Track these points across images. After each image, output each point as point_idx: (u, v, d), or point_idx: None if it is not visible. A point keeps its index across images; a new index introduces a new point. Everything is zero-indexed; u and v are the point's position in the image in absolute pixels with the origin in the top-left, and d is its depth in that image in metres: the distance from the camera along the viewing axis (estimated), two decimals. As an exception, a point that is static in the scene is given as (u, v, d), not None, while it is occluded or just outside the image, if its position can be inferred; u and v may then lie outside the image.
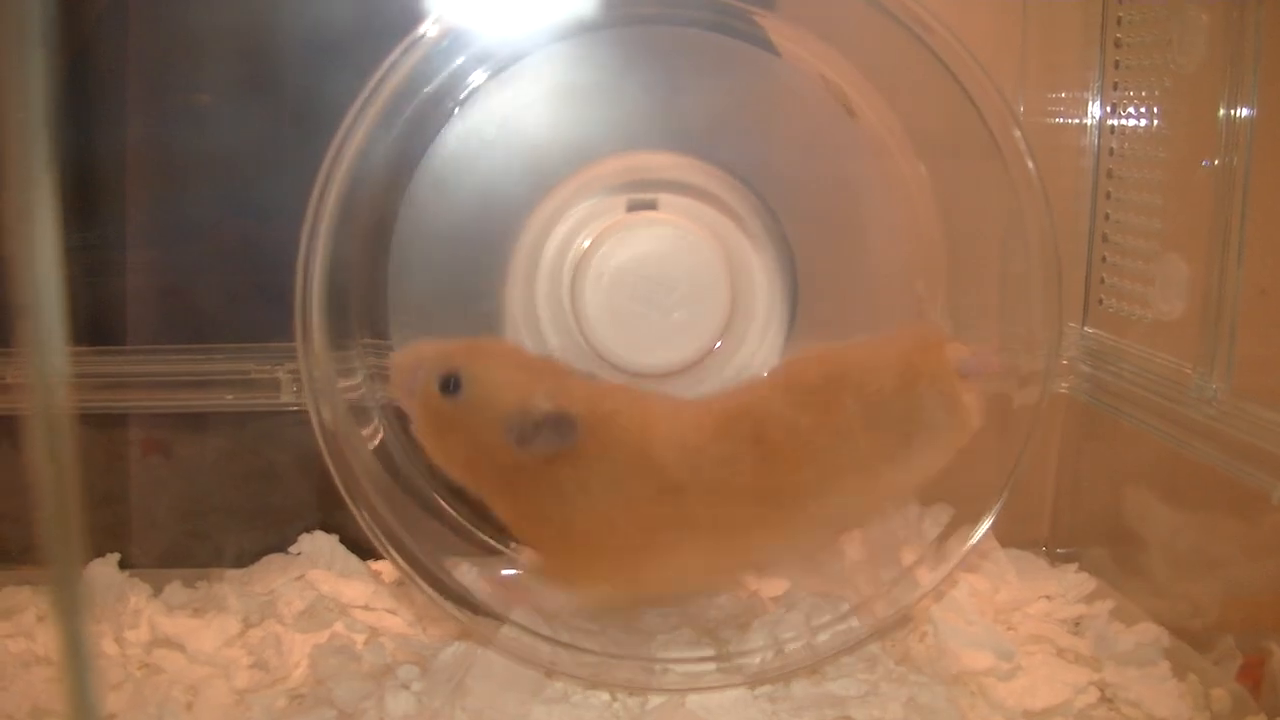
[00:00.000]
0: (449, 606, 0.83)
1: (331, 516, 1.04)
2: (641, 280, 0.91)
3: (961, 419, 0.83)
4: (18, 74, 0.42)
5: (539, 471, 0.80)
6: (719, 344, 0.93)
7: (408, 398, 0.83)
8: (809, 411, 0.82)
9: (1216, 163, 0.89)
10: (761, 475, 0.81)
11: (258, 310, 1.05)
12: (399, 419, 0.93)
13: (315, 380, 0.83)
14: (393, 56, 0.82)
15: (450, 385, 0.81)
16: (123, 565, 1.02)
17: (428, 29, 0.82)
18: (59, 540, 0.46)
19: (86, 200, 1.08)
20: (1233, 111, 0.88)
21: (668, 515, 0.81)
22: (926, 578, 0.88)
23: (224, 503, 1.11)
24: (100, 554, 1.02)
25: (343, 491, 0.82)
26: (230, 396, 1.00)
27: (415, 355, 0.83)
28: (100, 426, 1.09)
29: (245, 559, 1.05)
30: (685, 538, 0.82)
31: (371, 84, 0.82)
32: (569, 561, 0.84)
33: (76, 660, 0.46)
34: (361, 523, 0.83)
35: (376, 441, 0.92)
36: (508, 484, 0.82)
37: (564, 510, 0.81)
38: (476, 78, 0.91)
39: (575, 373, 0.86)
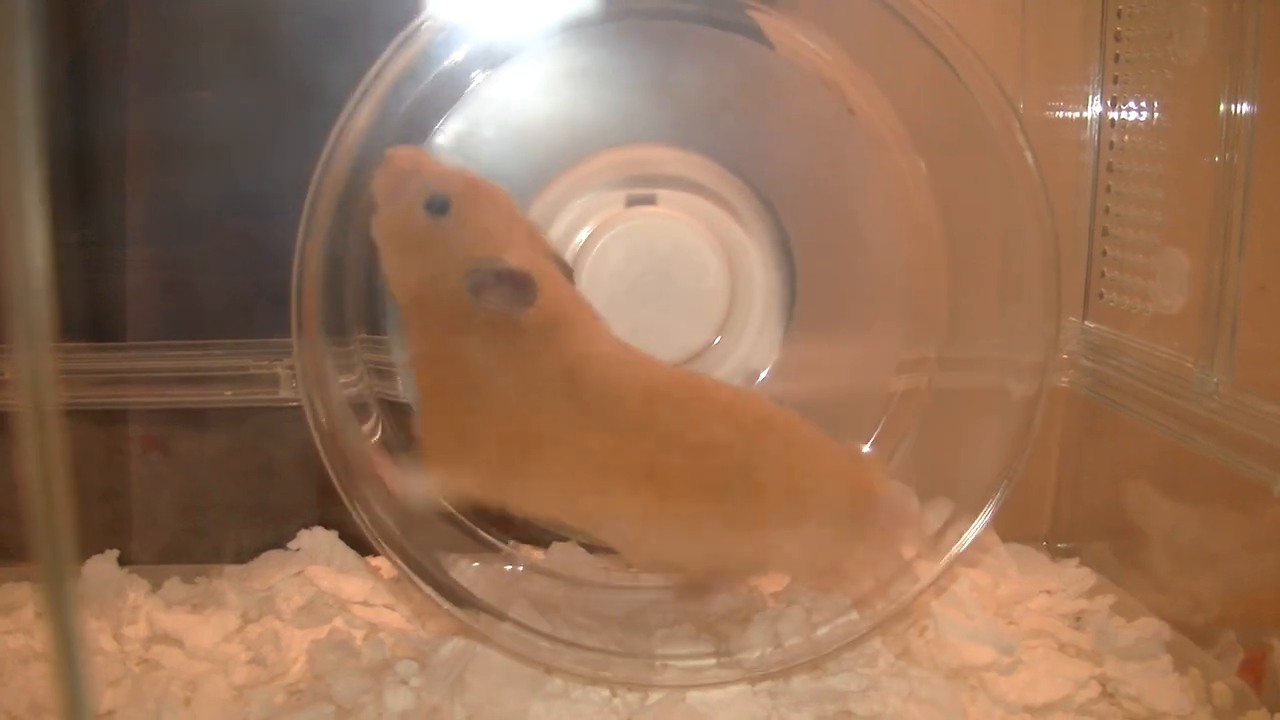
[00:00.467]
0: (445, 604, 0.83)
1: (331, 512, 1.04)
2: (639, 275, 0.91)
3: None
4: (4, 65, 0.42)
5: (475, 329, 0.78)
6: (717, 340, 0.93)
7: (389, 199, 0.80)
8: (740, 433, 0.82)
9: (1217, 157, 0.88)
10: (662, 457, 0.80)
11: (257, 306, 1.05)
12: (397, 415, 0.93)
13: (310, 376, 0.83)
14: (390, 49, 0.82)
15: (436, 205, 0.79)
16: (123, 561, 1.02)
17: (425, 21, 0.82)
18: (49, 537, 0.45)
19: (86, 196, 1.08)
20: (1233, 105, 0.87)
21: (561, 440, 0.80)
22: (926, 571, 0.87)
23: (223, 499, 1.11)
24: (100, 550, 1.02)
25: (339, 488, 0.82)
26: (229, 392, 1.00)
27: (414, 162, 0.80)
28: (100, 422, 1.09)
29: (245, 555, 1.05)
30: (570, 471, 0.81)
31: (369, 77, 0.82)
32: (449, 443, 0.81)
33: (69, 658, 0.46)
34: (358, 520, 0.83)
35: (376, 438, 0.92)
36: (441, 329, 0.80)
37: (476, 381, 0.79)
38: (475, 71, 0.91)
39: (553, 259, 0.84)
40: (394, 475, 0.83)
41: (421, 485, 0.82)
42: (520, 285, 0.77)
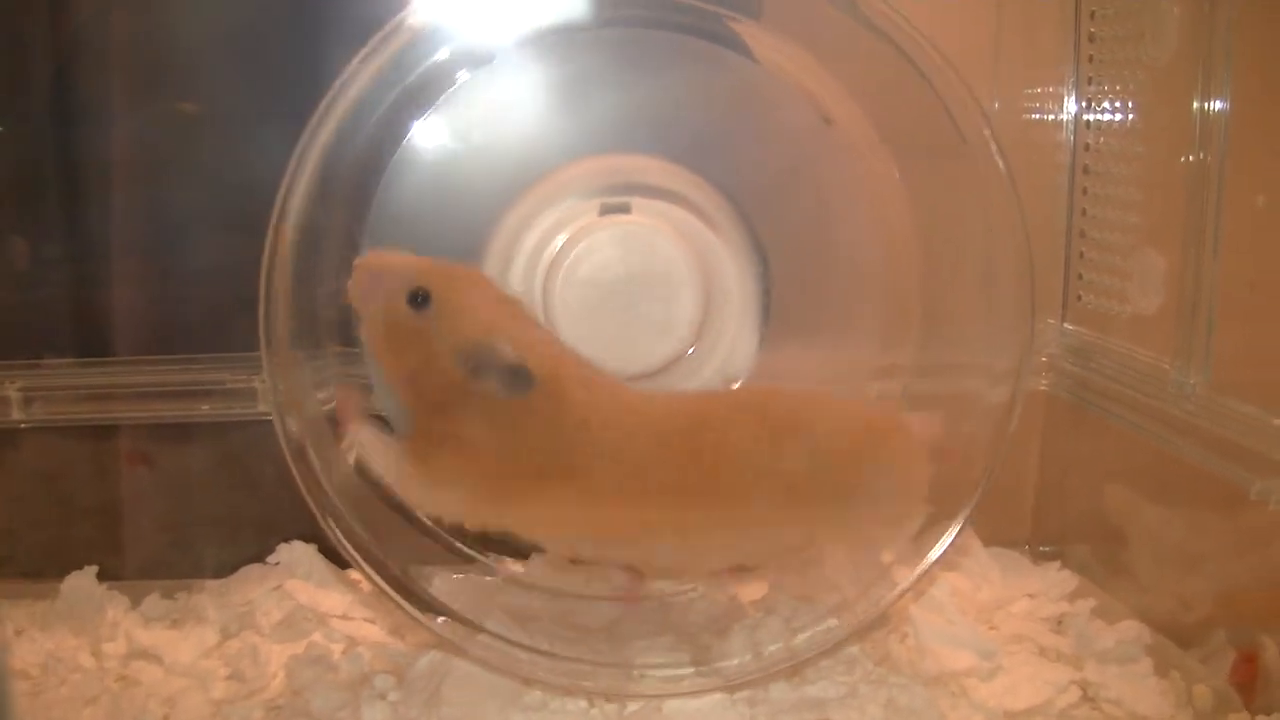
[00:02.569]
0: (421, 617, 0.83)
1: (313, 526, 1.03)
2: (614, 283, 0.90)
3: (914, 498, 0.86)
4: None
5: (478, 404, 0.80)
6: (692, 347, 0.93)
7: (365, 302, 0.83)
8: (758, 442, 0.83)
9: (1191, 157, 0.88)
10: (687, 477, 0.82)
11: (239, 320, 1.05)
12: (375, 428, 0.93)
13: (281, 392, 0.83)
14: (358, 58, 0.82)
15: (419, 299, 0.81)
16: (106, 576, 1.02)
17: (395, 28, 0.82)
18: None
19: (71, 211, 1.08)
20: (1206, 104, 0.87)
21: (575, 477, 0.82)
22: (904, 576, 0.87)
23: (207, 513, 1.11)
24: (82, 566, 1.02)
25: (310, 503, 0.82)
26: (206, 406, 1.00)
27: (383, 263, 0.83)
28: (85, 437, 1.09)
29: (226, 569, 1.05)
30: (580, 499, 0.83)
31: (335, 86, 0.81)
32: (445, 470, 0.83)
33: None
34: (330, 535, 0.82)
35: (353, 452, 0.91)
36: (442, 405, 0.82)
37: (483, 436, 0.81)
38: (449, 78, 0.91)
39: (538, 324, 0.87)
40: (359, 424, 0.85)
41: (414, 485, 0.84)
42: (516, 374, 0.80)
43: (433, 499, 0.84)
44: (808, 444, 0.84)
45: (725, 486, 0.83)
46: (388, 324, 0.82)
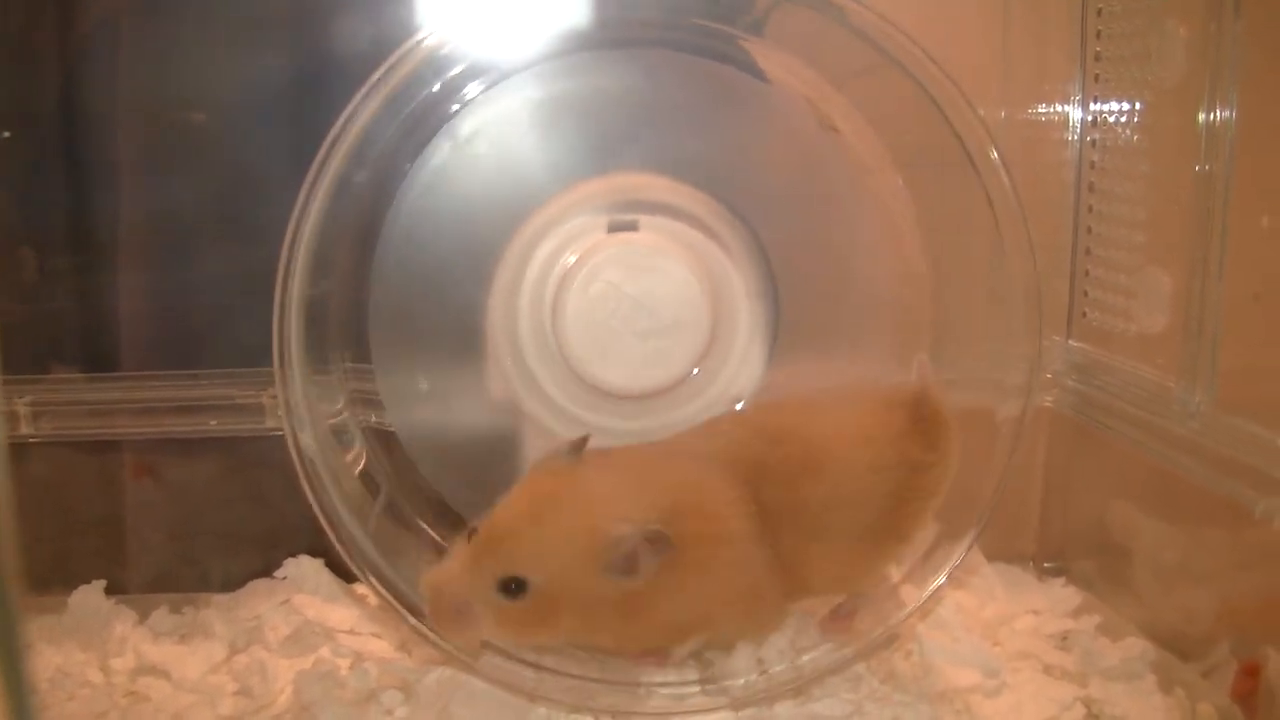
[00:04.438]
0: (428, 633, 0.83)
1: (320, 540, 1.03)
2: (622, 301, 0.91)
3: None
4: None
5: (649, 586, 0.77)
6: (697, 368, 0.93)
7: (460, 633, 0.79)
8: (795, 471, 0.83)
9: (1196, 177, 0.88)
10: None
11: (248, 334, 1.05)
12: (381, 443, 0.93)
13: (293, 408, 0.83)
14: (374, 77, 0.82)
15: (513, 587, 0.76)
16: (113, 590, 1.02)
17: (411, 48, 0.83)
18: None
19: (78, 224, 1.09)
20: (1212, 122, 0.87)
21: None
22: (912, 595, 0.88)
23: (213, 526, 1.11)
24: (89, 580, 1.02)
25: (322, 519, 0.82)
26: (214, 422, 1.00)
27: (448, 590, 0.77)
28: (91, 451, 1.09)
29: (233, 583, 1.05)
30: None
31: (350, 106, 0.82)
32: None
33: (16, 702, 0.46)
34: (340, 550, 0.83)
35: (360, 466, 0.92)
36: (619, 610, 0.78)
37: (682, 600, 0.80)
38: (460, 97, 0.92)
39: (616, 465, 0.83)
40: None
41: None
42: (652, 542, 0.75)
43: None
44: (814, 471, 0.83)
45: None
46: (508, 622, 0.78)
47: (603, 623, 0.79)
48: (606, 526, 0.76)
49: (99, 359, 1.08)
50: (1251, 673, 0.86)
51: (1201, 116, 0.88)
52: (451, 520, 0.92)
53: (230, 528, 1.11)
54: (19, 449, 1.01)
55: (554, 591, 0.76)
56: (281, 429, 0.85)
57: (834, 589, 0.88)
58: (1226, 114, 0.86)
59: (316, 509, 0.82)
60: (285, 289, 0.82)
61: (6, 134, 1.07)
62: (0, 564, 0.47)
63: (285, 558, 1.03)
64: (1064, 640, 0.97)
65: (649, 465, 0.84)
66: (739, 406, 0.96)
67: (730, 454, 0.83)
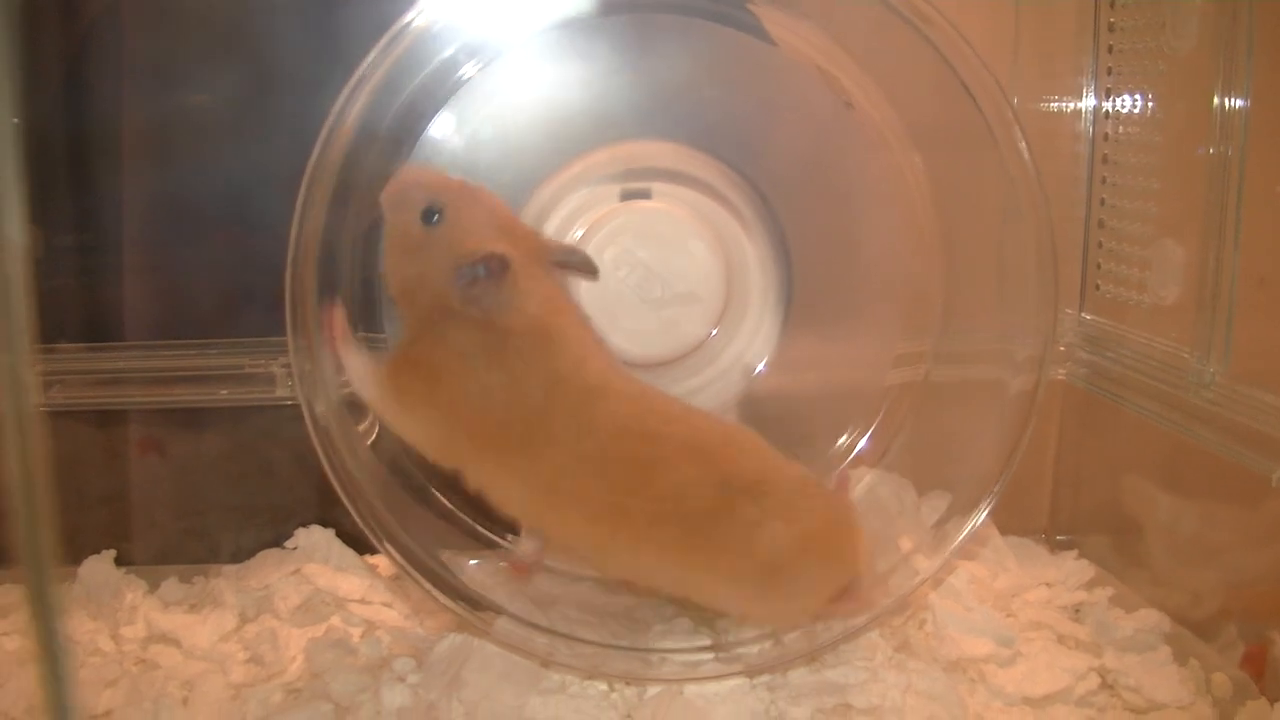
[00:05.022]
0: (443, 599, 0.83)
1: (328, 511, 1.04)
2: (635, 269, 0.90)
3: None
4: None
5: (465, 329, 0.79)
6: (713, 333, 0.93)
7: (392, 210, 0.82)
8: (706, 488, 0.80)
9: (1211, 149, 0.88)
10: (623, 498, 0.79)
11: (253, 305, 1.05)
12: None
13: (307, 375, 0.82)
14: (379, 46, 0.82)
15: (430, 215, 0.81)
16: (121, 562, 1.02)
17: (416, 18, 0.82)
18: (31, 541, 0.45)
19: (82, 199, 1.08)
20: (1227, 95, 0.87)
21: (528, 446, 0.80)
22: (924, 565, 0.87)
23: (221, 499, 1.11)
24: (97, 551, 1.02)
25: (336, 485, 0.82)
26: (225, 391, 1.00)
27: (415, 176, 0.83)
28: (97, 424, 1.09)
29: (242, 555, 1.05)
30: (524, 475, 0.81)
31: (358, 73, 0.81)
32: (417, 391, 0.81)
33: (53, 663, 0.46)
34: (356, 516, 0.82)
35: (373, 436, 0.91)
36: (432, 325, 0.81)
37: (457, 367, 0.80)
38: (469, 65, 0.91)
39: (546, 265, 0.84)
40: (343, 341, 0.84)
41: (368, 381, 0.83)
42: (496, 266, 0.78)
43: (401, 423, 0.83)
44: (754, 517, 0.79)
45: (663, 514, 0.79)
46: (402, 235, 0.82)
47: (418, 314, 0.81)
48: (480, 244, 0.79)
49: (107, 332, 1.08)
50: (1257, 656, 0.86)
51: (1216, 88, 0.87)
52: (461, 490, 0.92)
53: (238, 501, 1.11)
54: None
55: (434, 245, 0.80)
56: (291, 399, 0.85)
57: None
58: (1241, 86, 0.86)
59: (331, 476, 0.82)
60: (297, 259, 0.81)
61: (15, 120, 1.06)
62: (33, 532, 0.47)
63: (294, 530, 1.03)
64: (1077, 612, 0.97)
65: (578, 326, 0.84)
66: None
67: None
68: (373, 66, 0.82)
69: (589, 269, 0.87)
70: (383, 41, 0.82)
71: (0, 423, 0.46)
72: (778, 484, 0.81)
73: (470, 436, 0.80)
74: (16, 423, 0.46)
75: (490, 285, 0.78)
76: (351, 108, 0.82)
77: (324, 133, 0.82)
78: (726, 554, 0.80)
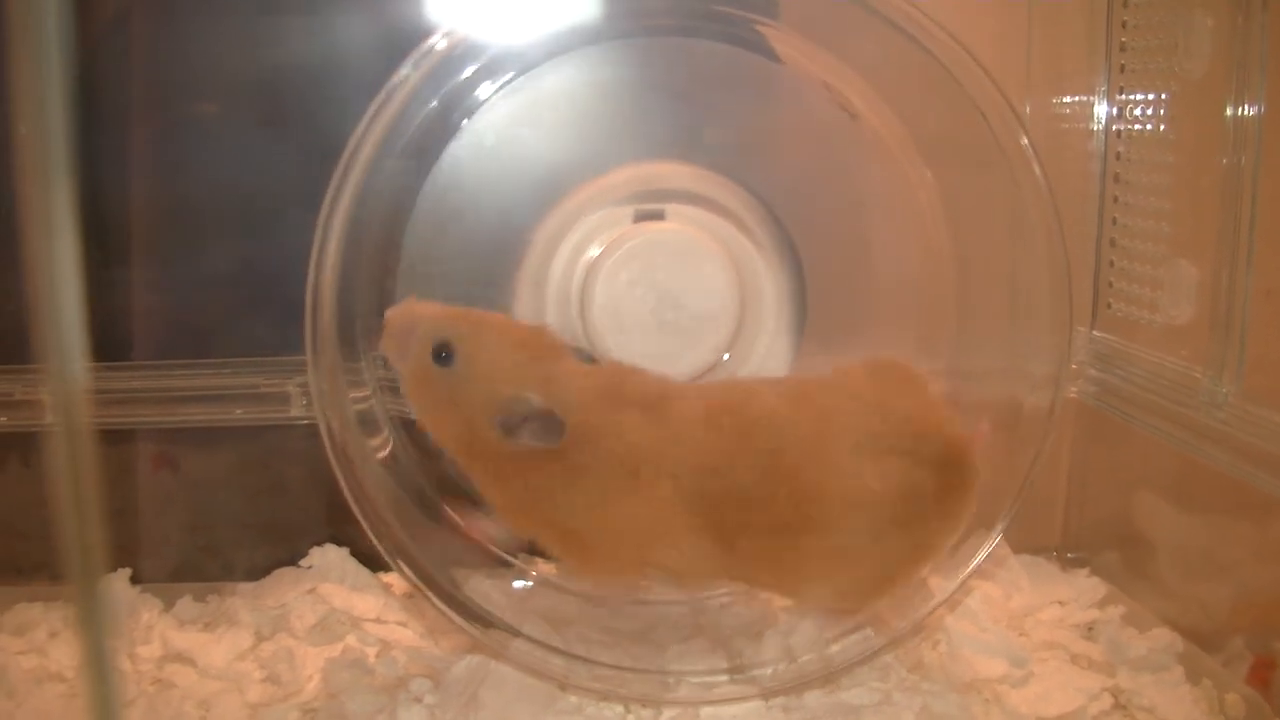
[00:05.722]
0: (459, 620, 0.83)
1: (342, 530, 1.04)
2: (649, 291, 0.91)
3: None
4: (34, 79, 0.42)
5: (524, 459, 0.79)
6: (727, 355, 0.93)
7: (399, 360, 0.82)
8: (804, 412, 0.81)
9: (1224, 167, 0.88)
10: (751, 473, 0.80)
11: (266, 325, 1.05)
12: (408, 430, 0.93)
13: (325, 394, 0.83)
14: (401, 72, 0.82)
15: (443, 355, 0.80)
16: (134, 580, 1.02)
17: (435, 43, 0.83)
18: (80, 557, 0.46)
19: (93, 216, 1.08)
20: (1240, 115, 0.87)
21: (654, 515, 0.80)
22: (940, 587, 0.87)
23: (235, 517, 1.11)
24: (111, 569, 1.02)
25: (353, 504, 0.82)
26: (239, 410, 1.00)
27: (410, 316, 0.82)
28: (110, 442, 1.09)
29: (256, 573, 1.05)
30: (672, 536, 0.81)
31: (380, 98, 0.82)
32: (569, 549, 0.83)
33: (100, 678, 0.46)
34: (371, 536, 0.83)
35: (385, 453, 0.92)
36: (493, 465, 0.81)
37: (546, 503, 0.81)
38: (484, 90, 0.92)
39: (568, 355, 0.84)
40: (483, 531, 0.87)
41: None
42: (545, 423, 0.78)
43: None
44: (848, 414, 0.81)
45: (779, 463, 0.80)
46: (421, 382, 0.81)
47: (481, 463, 0.82)
48: (514, 388, 0.79)
49: (121, 351, 1.08)
50: (1267, 668, 0.86)
51: (1229, 107, 0.88)
52: (476, 505, 0.92)
53: (251, 519, 1.11)
54: (42, 438, 1.01)
55: (460, 389, 0.79)
56: (306, 418, 0.85)
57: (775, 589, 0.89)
58: (1254, 104, 0.86)
59: (347, 494, 0.82)
60: (318, 279, 0.82)
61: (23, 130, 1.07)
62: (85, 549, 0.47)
63: (308, 549, 1.03)
64: (1090, 631, 0.97)
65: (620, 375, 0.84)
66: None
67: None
68: (395, 87, 0.82)
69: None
70: (408, 62, 0.82)
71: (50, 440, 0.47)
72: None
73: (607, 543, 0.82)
74: (67, 439, 0.46)
75: (541, 428, 0.78)
76: (374, 128, 0.83)
77: (346, 153, 0.82)
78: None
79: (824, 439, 0.80)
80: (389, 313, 0.83)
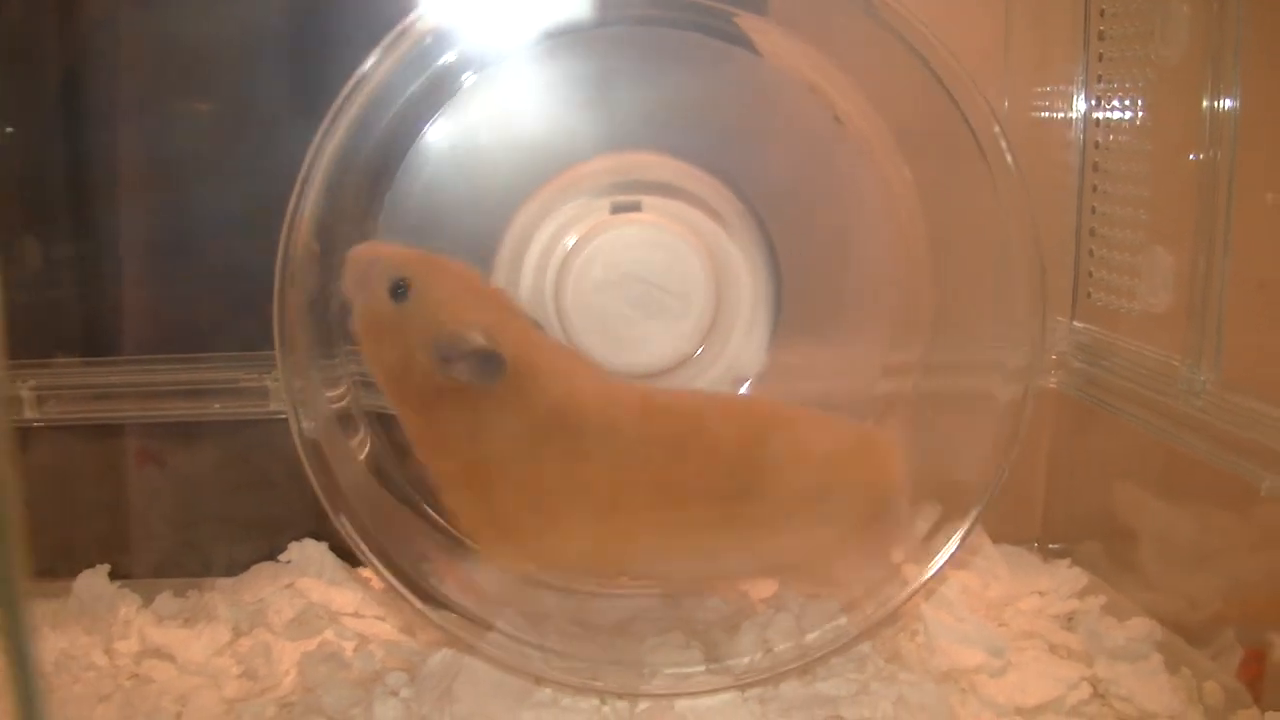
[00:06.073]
0: (432, 615, 0.83)
1: (323, 524, 1.03)
2: (625, 281, 0.90)
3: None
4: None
5: (456, 399, 0.79)
6: (702, 347, 0.93)
7: (356, 292, 0.83)
8: (739, 431, 0.84)
9: (1201, 155, 0.88)
10: (673, 471, 0.82)
11: (249, 319, 1.05)
12: (385, 426, 0.93)
13: (295, 391, 0.83)
14: (370, 59, 0.82)
15: (398, 290, 0.80)
16: (117, 576, 1.02)
17: (408, 29, 0.82)
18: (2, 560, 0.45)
19: (79, 212, 1.08)
20: (1216, 103, 0.87)
21: (569, 481, 0.82)
22: (915, 575, 0.87)
23: (217, 512, 1.11)
24: (94, 565, 1.02)
25: (324, 501, 0.82)
26: (218, 405, 1.00)
27: (373, 253, 0.83)
28: (94, 437, 1.09)
29: (237, 568, 1.05)
30: (580, 509, 0.82)
31: (348, 86, 0.82)
32: (481, 517, 0.84)
33: (23, 685, 0.46)
34: (342, 533, 0.83)
35: (365, 451, 0.92)
36: (424, 404, 0.81)
37: (468, 446, 0.81)
38: (461, 78, 0.91)
39: (520, 314, 0.85)
40: (464, 577, 0.87)
41: (488, 572, 0.87)
42: (486, 360, 0.78)
43: (501, 554, 0.87)
44: (789, 445, 0.84)
45: (712, 487, 0.83)
46: (372, 316, 0.82)
47: (411, 393, 0.82)
48: (460, 326, 0.79)
49: (101, 346, 1.08)
50: (1256, 659, 0.85)
51: (1206, 94, 0.87)
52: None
53: (233, 513, 1.11)
54: (23, 434, 1.01)
55: (408, 320, 0.80)
56: (284, 412, 0.85)
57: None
58: (1231, 92, 0.86)
59: (320, 493, 0.82)
60: (285, 274, 0.82)
61: (10, 130, 1.07)
62: (6, 549, 0.47)
63: (288, 543, 1.03)
64: (1069, 621, 0.97)
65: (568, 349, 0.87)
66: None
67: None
68: (369, 71, 0.82)
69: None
70: (380, 46, 0.82)
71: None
72: (800, 418, 0.86)
73: (493, 490, 0.82)
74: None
75: (478, 366, 0.78)
76: (345, 113, 0.82)
77: (315, 140, 0.82)
78: (758, 494, 0.83)
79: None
80: (352, 250, 0.84)
